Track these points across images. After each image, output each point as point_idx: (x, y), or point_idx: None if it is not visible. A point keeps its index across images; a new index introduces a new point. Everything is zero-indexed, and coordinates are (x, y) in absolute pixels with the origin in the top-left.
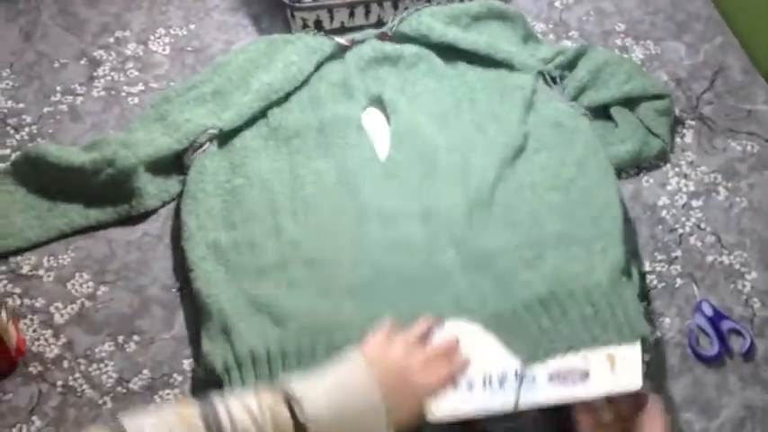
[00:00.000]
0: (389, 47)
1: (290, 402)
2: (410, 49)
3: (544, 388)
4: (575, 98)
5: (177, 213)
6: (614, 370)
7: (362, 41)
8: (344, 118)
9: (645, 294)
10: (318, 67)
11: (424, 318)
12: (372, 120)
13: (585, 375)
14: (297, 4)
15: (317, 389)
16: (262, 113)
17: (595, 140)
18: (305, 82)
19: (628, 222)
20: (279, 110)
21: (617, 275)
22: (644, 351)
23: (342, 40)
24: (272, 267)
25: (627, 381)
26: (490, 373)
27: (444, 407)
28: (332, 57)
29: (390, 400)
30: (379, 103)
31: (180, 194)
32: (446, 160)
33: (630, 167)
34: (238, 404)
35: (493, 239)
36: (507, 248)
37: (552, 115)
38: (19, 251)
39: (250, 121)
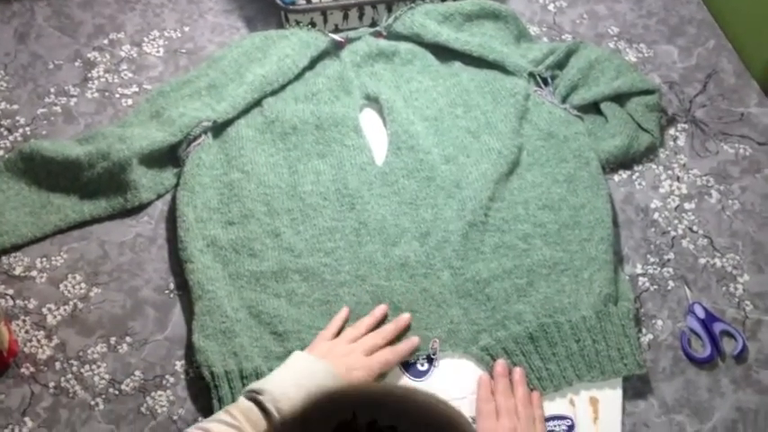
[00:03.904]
0: (384, 43)
1: (255, 399)
2: (405, 46)
3: None
4: (566, 96)
5: (171, 213)
6: (596, 420)
7: (357, 38)
8: (342, 116)
9: (634, 300)
10: (313, 63)
11: (375, 311)
12: (368, 120)
13: (572, 427)
14: (291, 7)
15: (275, 380)
16: (256, 103)
17: (587, 148)
18: (300, 76)
19: (617, 226)
20: (274, 99)
21: (603, 306)
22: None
23: (336, 36)
24: (270, 276)
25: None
26: None
27: None
28: (326, 53)
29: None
30: (375, 102)
31: (175, 187)
32: (442, 171)
33: (620, 161)
34: (215, 423)
35: (487, 264)
36: (501, 274)
37: (545, 124)
38: (13, 248)
39: (244, 111)
